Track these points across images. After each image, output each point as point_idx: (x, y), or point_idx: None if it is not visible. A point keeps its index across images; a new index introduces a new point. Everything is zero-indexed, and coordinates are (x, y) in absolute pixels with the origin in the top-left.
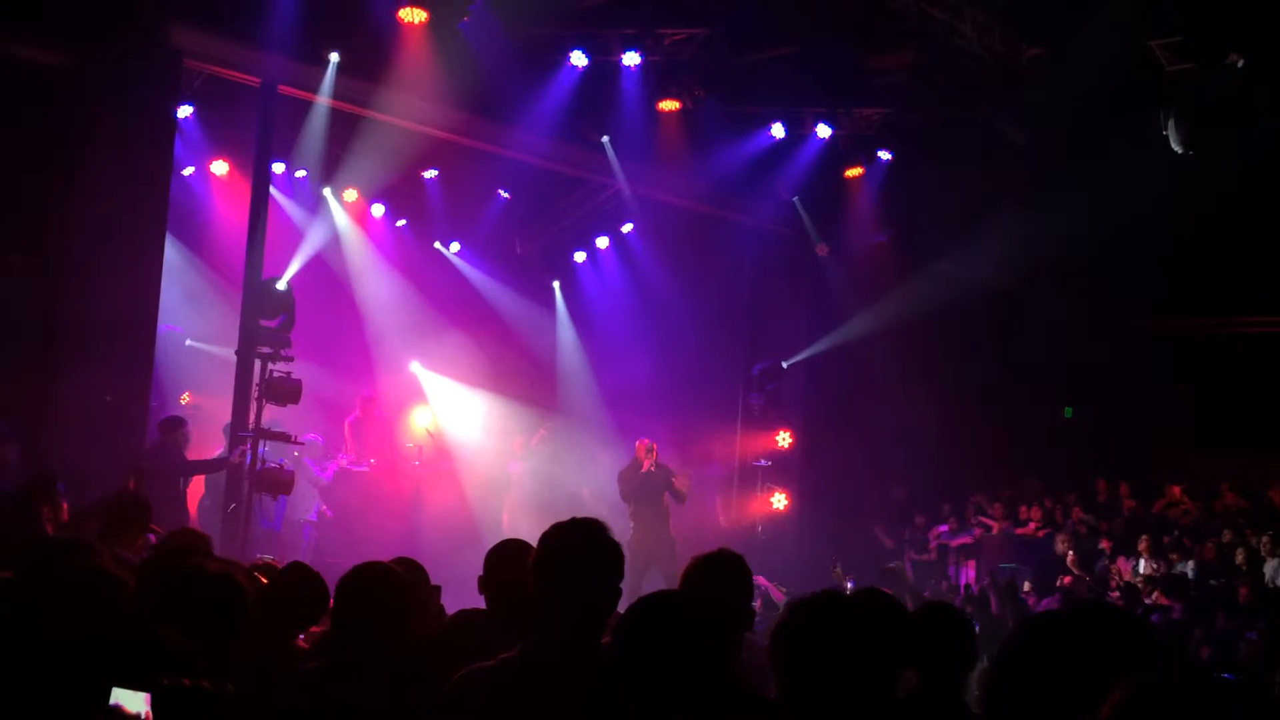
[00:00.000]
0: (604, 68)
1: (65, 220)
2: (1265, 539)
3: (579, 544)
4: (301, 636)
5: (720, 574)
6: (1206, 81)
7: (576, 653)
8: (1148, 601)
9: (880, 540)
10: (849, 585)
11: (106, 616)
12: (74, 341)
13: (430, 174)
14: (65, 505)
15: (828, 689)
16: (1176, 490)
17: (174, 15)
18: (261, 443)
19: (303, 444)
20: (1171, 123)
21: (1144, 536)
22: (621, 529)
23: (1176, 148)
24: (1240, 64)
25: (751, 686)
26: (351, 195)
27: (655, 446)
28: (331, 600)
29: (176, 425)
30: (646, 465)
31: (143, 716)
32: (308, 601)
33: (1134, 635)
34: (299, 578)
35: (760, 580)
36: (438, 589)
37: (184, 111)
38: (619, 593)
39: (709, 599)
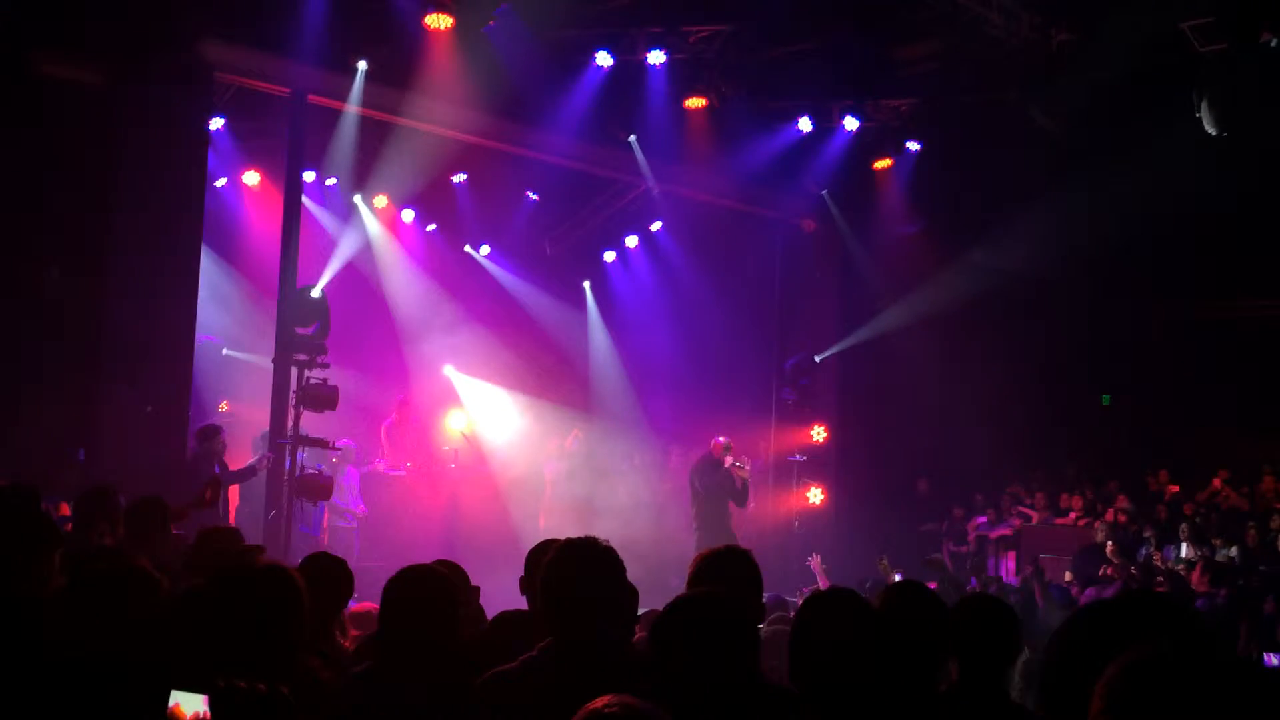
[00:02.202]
0: (629, 67)
1: (104, 235)
2: None
3: (576, 559)
4: (347, 641)
5: (729, 570)
6: (1239, 62)
7: (595, 651)
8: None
9: (933, 533)
10: (896, 578)
11: (142, 622)
12: (115, 353)
13: (459, 178)
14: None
15: (850, 682)
16: (1217, 482)
17: (205, 30)
18: (300, 448)
19: (339, 449)
20: (1205, 104)
21: (1184, 524)
22: (651, 529)
23: (1210, 129)
24: (1273, 43)
25: (774, 682)
26: (382, 201)
27: (732, 445)
28: (371, 602)
29: (213, 434)
30: (728, 462)
31: (201, 717)
32: (332, 585)
33: (1186, 623)
34: (321, 562)
35: (813, 563)
36: (476, 590)
37: (215, 123)
38: (624, 593)
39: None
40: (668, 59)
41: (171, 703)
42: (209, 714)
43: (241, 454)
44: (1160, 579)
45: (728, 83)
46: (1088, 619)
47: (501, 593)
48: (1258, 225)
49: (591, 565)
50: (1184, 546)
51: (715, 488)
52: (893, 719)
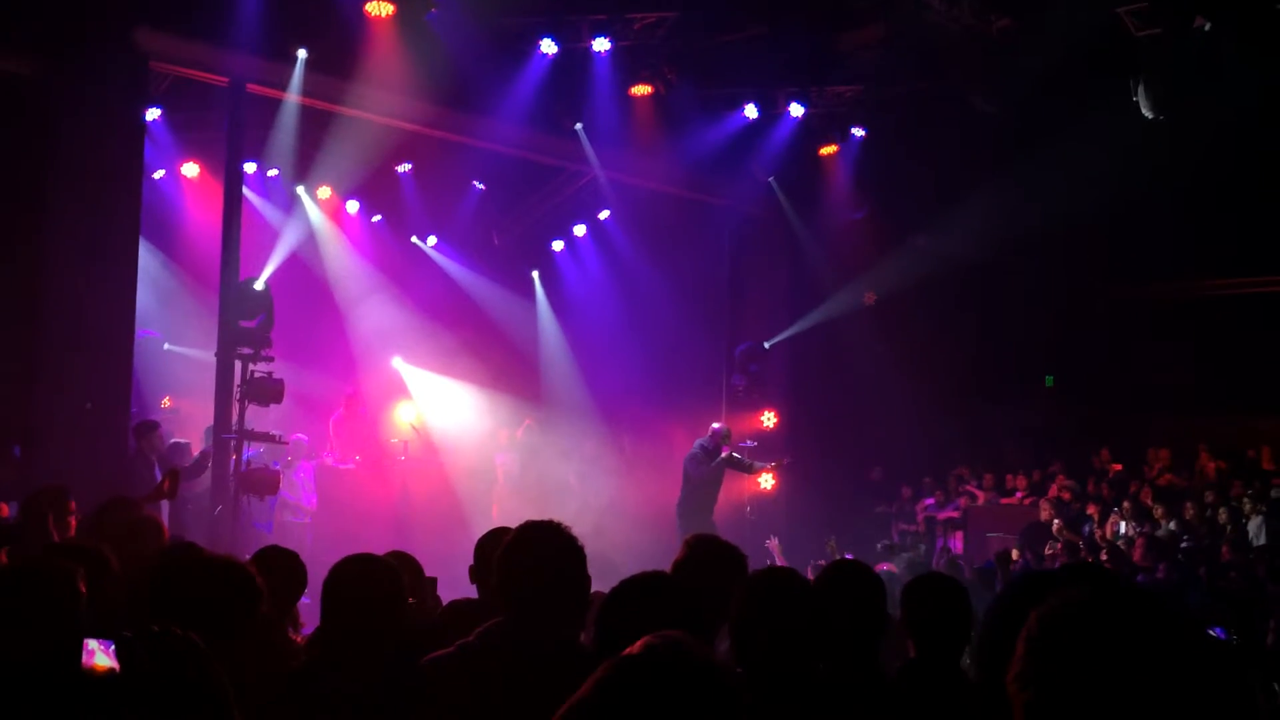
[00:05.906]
0: (575, 55)
1: (38, 229)
2: (1246, 499)
3: (540, 541)
4: (297, 635)
5: (716, 559)
6: (1175, 46)
7: (544, 641)
8: (1135, 563)
9: (885, 515)
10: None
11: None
12: (52, 351)
13: (404, 168)
14: (73, 521)
15: (791, 663)
16: (1157, 466)
17: (138, 18)
18: (253, 444)
19: (290, 443)
20: (1141, 88)
21: (1126, 501)
22: (603, 516)
23: (1147, 113)
24: (1207, 27)
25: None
26: (325, 192)
27: (730, 430)
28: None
29: (150, 429)
30: (726, 452)
31: (113, 666)
32: (285, 579)
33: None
34: (274, 556)
35: (771, 545)
36: (433, 581)
37: (152, 114)
38: (583, 582)
39: (700, 586)
40: (613, 46)
41: (88, 650)
42: (117, 664)
43: (193, 448)
44: (1105, 556)
45: (673, 70)
46: (1021, 586)
47: (455, 583)
48: (1198, 207)
49: (551, 551)
50: (1123, 524)
51: (710, 477)
52: (836, 698)
